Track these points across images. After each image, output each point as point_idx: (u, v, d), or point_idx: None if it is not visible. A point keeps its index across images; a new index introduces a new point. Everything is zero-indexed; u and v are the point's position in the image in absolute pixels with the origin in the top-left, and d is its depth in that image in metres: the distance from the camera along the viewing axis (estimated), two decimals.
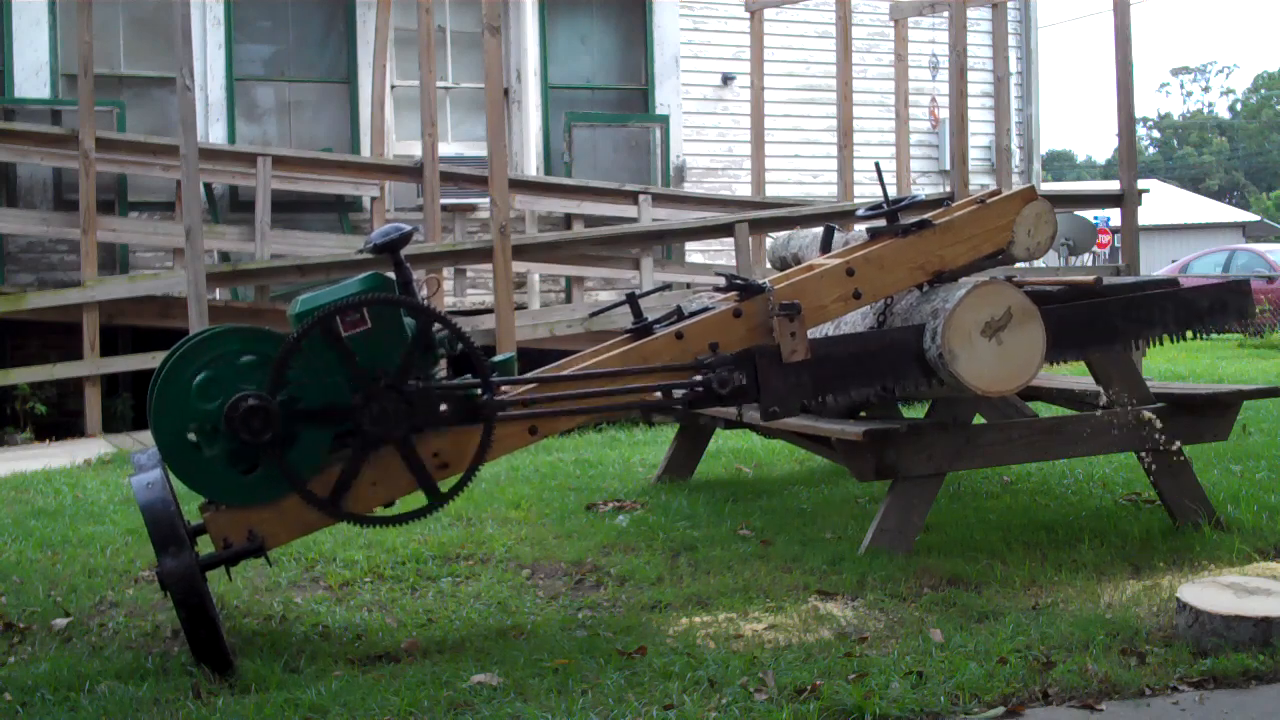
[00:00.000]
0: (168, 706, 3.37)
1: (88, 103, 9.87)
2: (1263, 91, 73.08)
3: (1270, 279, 20.85)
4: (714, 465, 6.82)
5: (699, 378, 4.19)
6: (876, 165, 4.99)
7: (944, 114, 13.87)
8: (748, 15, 12.28)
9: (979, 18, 13.78)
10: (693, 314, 4.39)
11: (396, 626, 4.11)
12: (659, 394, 4.17)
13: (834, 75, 12.03)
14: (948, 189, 11.47)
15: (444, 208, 11.13)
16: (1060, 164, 72.94)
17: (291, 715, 3.29)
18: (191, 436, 3.72)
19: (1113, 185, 11.38)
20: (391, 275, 3.95)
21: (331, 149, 11.91)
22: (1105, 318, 4.72)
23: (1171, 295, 4.82)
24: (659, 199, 12.01)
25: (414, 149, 11.75)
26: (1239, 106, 75.26)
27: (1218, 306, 4.85)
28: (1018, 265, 7.03)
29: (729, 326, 4.34)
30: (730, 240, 10.45)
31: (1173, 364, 13.17)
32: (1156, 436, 4.99)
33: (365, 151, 11.94)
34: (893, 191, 11.27)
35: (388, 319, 3.82)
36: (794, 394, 4.34)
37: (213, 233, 10.72)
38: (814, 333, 5.13)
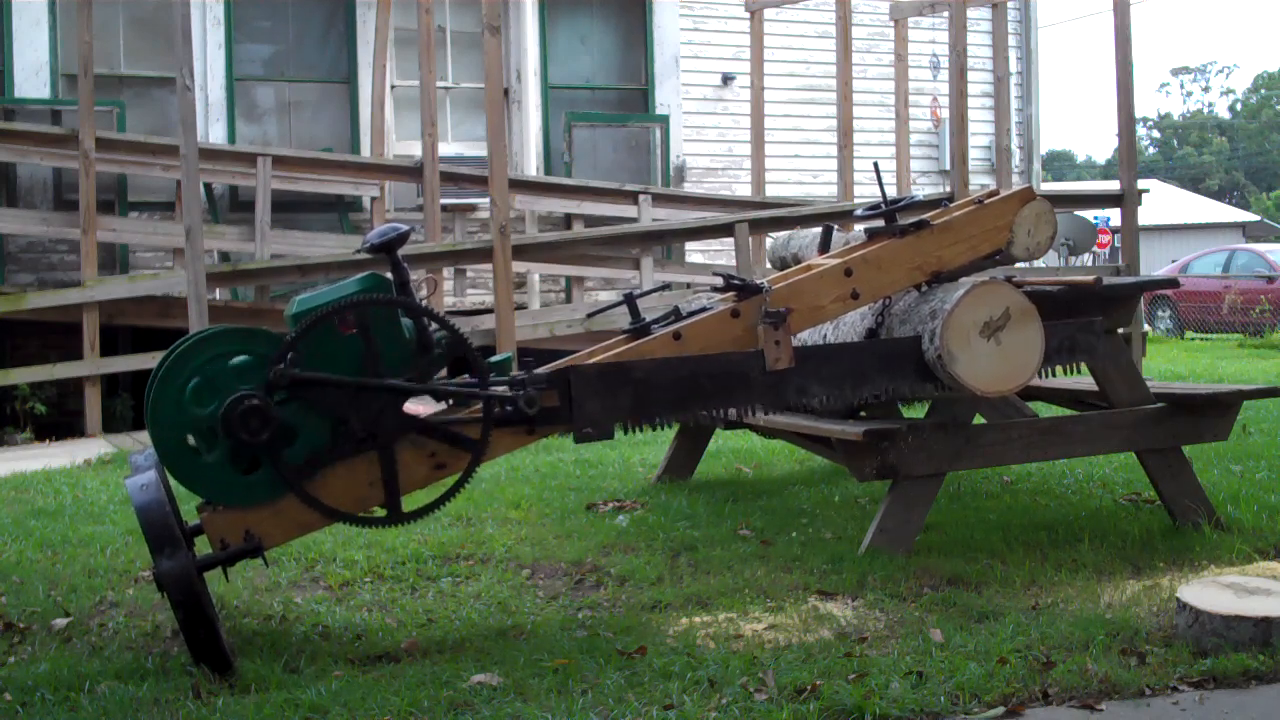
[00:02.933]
0: (168, 706, 3.37)
1: (88, 103, 9.87)
2: (1263, 91, 73.08)
3: (1270, 279, 20.85)
4: (714, 465, 6.81)
5: (508, 396, 3.96)
6: (875, 165, 4.99)
7: (944, 114, 13.88)
8: (748, 15, 12.28)
9: (979, 18, 13.78)
10: (690, 314, 4.39)
11: (396, 626, 4.11)
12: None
13: (834, 75, 12.03)
14: (948, 189, 11.47)
15: (444, 208, 11.14)
16: (1060, 164, 72.93)
17: (291, 715, 3.29)
18: (191, 441, 3.72)
19: (1113, 185, 11.38)
20: (389, 276, 3.95)
21: (331, 149, 11.91)
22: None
23: None
24: (659, 199, 12.01)
25: (414, 149, 11.76)
26: (1239, 106, 75.27)
27: (1066, 346, 4.72)
28: (1018, 265, 7.03)
29: (726, 326, 4.34)
30: (730, 240, 10.45)
31: (1173, 364, 13.17)
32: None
33: (365, 151, 11.94)
34: (892, 191, 11.28)
35: (384, 320, 3.82)
36: (609, 416, 4.14)
37: (213, 233, 10.72)
38: (812, 334, 5.14)
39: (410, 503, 4.00)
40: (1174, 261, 26.24)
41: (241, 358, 3.77)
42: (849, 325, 4.95)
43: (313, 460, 3.78)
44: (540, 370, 4.11)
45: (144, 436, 8.94)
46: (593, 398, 4.10)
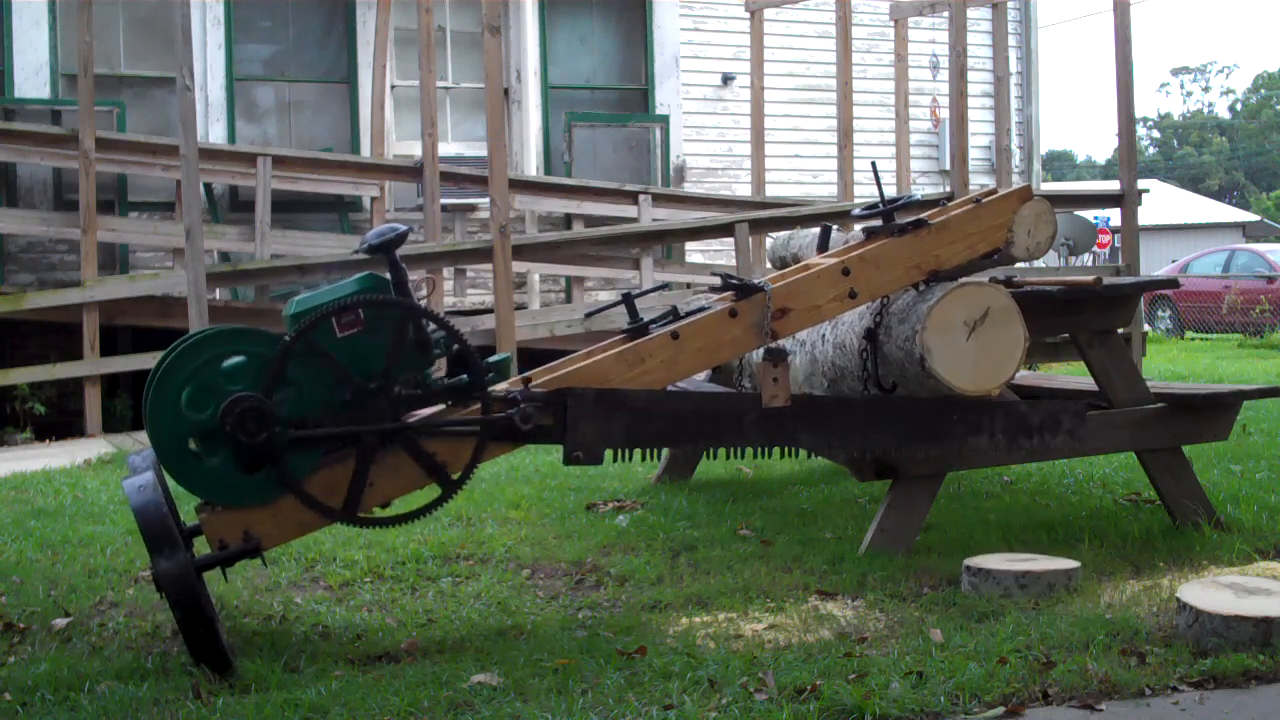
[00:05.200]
0: (168, 706, 3.37)
1: (88, 103, 9.87)
2: (1263, 91, 73.11)
3: (1270, 279, 20.85)
4: (714, 465, 6.81)
5: (506, 411, 3.97)
6: (873, 164, 4.99)
7: (944, 114, 13.88)
8: (748, 15, 12.29)
9: (979, 18, 13.78)
10: (689, 314, 4.39)
11: (396, 626, 4.11)
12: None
13: (834, 75, 12.03)
14: (948, 189, 11.47)
15: (444, 208, 11.14)
16: (1060, 164, 72.93)
17: (291, 715, 3.28)
18: (193, 446, 3.72)
19: (1113, 185, 11.39)
20: (387, 276, 3.95)
21: (331, 149, 11.91)
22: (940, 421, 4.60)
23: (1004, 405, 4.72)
24: (659, 199, 12.01)
25: (414, 149, 11.76)
26: (1239, 106, 75.30)
27: (1050, 423, 4.72)
28: (1017, 265, 7.03)
29: (724, 326, 4.34)
30: (730, 240, 10.46)
31: (1173, 364, 13.17)
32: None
33: (365, 151, 11.94)
34: (892, 191, 11.28)
35: (382, 320, 3.82)
36: (601, 442, 4.16)
37: (213, 233, 10.72)
38: (811, 333, 5.14)
39: (411, 501, 4.00)
40: (1174, 261, 26.25)
41: (239, 358, 3.76)
42: (847, 325, 4.95)
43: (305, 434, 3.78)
44: (538, 389, 4.10)
45: (144, 436, 8.94)
46: (587, 422, 4.12)
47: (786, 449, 4.51)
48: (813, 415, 4.48)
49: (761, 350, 4.38)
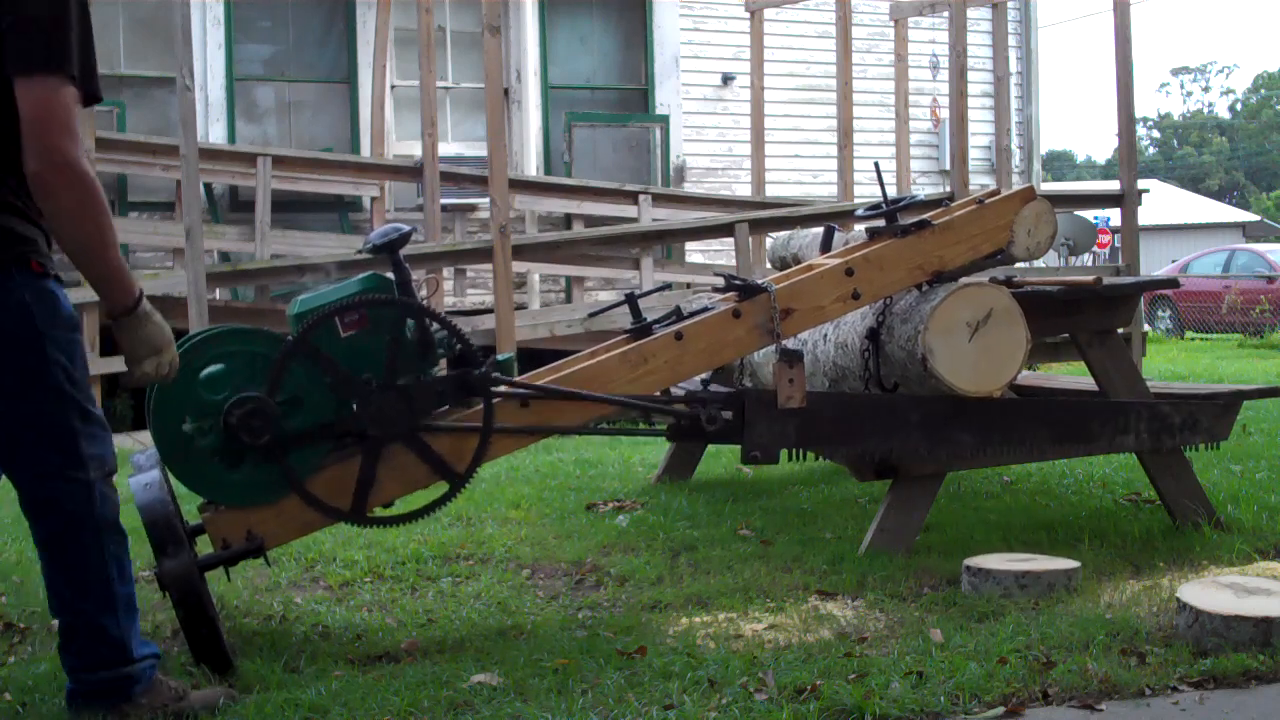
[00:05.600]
0: None
1: None
2: (1263, 91, 73.16)
3: (1270, 279, 20.86)
4: (714, 465, 6.81)
5: (689, 410, 4.22)
6: (876, 165, 4.99)
7: (944, 114, 13.88)
8: (748, 15, 12.29)
9: (979, 18, 13.79)
10: (692, 314, 4.39)
11: (396, 626, 4.11)
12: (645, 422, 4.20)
13: (834, 75, 12.03)
14: (948, 189, 11.47)
15: (444, 208, 11.14)
16: (1060, 164, 72.96)
17: (291, 715, 3.28)
18: (186, 426, 3.70)
19: (1113, 185, 11.39)
20: (390, 276, 3.96)
21: (331, 149, 11.91)
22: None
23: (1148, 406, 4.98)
24: (659, 199, 12.02)
25: (414, 149, 11.76)
26: (1239, 106, 75.35)
27: (1189, 422, 5.00)
28: (1018, 265, 7.03)
29: (728, 327, 4.34)
30: (730, 240, 10.46)
31: (1173, 364, 13.17)
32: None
33: (365, 151, 11.95)
34: (893, 191, 11.28)
35: (386, 319, 3.82)
36: (777, 442, 4.40)
37: (213, 233, 10.72)
38: (813, 333, 5.15)
39: (413, 501, 4.01)
40: (1174, 261, 26.25)
41: (242, 358, 3.76)
42: (849, 325, 4.95)
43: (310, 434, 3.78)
44: (717, 389, 4.29)
45: (144, 436, 8.94)
46: (763, 423, 4.33)
47: (948, 450, 4.65)
48: (976, 416, 4.60)
49: (765, 351, 4.40)
